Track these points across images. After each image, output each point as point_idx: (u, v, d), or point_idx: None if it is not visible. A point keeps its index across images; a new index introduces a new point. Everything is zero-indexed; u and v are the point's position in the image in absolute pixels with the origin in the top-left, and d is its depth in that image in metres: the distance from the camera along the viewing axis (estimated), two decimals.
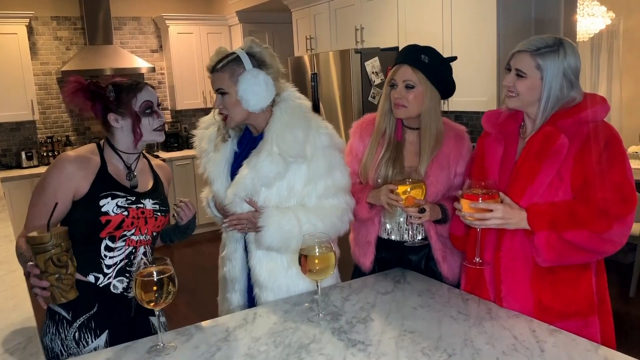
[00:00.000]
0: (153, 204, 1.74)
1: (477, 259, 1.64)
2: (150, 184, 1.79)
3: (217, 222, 1.97)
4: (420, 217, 1.76)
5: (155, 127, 1.73)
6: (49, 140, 5.82)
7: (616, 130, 1.56)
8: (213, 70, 1.77)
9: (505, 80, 1.62)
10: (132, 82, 1.71)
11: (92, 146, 1.74)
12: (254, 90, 1.70)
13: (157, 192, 1.79)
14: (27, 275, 1.50)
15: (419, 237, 1.95)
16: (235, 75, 1.73)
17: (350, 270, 2.16)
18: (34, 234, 1.43)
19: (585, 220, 1.48)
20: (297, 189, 1.76)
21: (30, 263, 1.46)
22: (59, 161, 1.65)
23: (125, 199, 1.67)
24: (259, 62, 1.74)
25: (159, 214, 1.75)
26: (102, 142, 1.75)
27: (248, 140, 1.85)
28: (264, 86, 1.71)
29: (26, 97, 5.48)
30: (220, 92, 1.76)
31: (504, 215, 1.52)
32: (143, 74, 6.30)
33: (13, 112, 5.45)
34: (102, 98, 1.68)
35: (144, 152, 1.84)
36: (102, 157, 1.71)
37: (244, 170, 1.76)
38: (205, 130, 1.93)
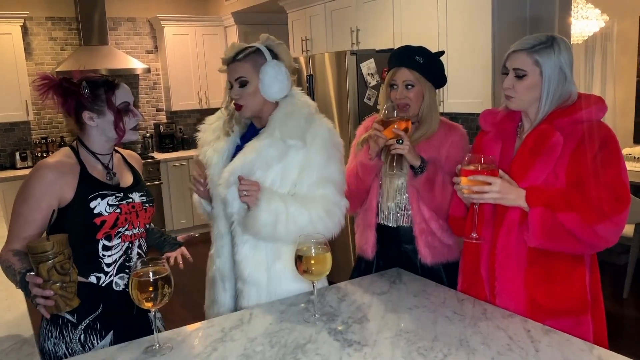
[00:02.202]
0: (140, 196, 1.75)
1: (474, 235, 1.64)
2: (131, 178, 1.79)
3: (204, 215, 1.98)
4: (398, 148, 1.83)
5: (132, 126, 1.71)
6: (43, 140, 5.79)
7: (612, 131, 1.58)
8: (233, 60, 1.78)
9: (504, 83, 1.63)
10: (107, 79, 1.67)
11: (66, 150, 1.70)
12: (277, 78, 1.75)
13: (140, 184, 1.79)
14: (23, 287, 1.47)
15: (408, 224, 2.01)
16: (258, 65, 1.76)
17: (348, 272, 2.19)
18: (35, 243, 1.41)
19: (580, 208, 1.50)
20: (291, 176, 1.77)
21: (31, 273, 1.43)
22: (38, 169, 1.60)
23: (114, 196, 1.66)
24: (276, 56, 1.79)
25: (147, 205, 1.76)
26: (74, 143, 1.71)
27: (251, 134, 1.86)
28: (284, 77, 1.77)
29: (20, 98, 5.45)
30: (240, 80, 1.77)
31: (502, 189, 1.53)
32: (138, 74, 6.29)
33: (7, 112, 5.42)
34: (75, 95, 1.63)
35: (114, 147, 1.81)
36: (79, 159, 1.67)
37: (243, 151, 1.78)
38: (211, 125, 1.96)
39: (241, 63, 1.77)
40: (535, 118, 1.63)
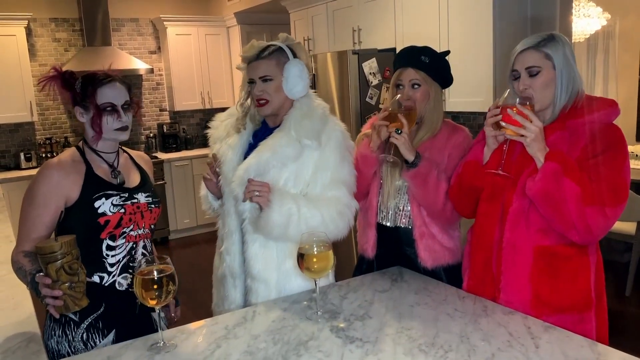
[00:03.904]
0: (146, 197, 1.76)
1: (500, 170, 1.65)
2: (138, 178, 1.80)
3: (209, 211, 2.00)
4: (394, 137, 1.83)
5: (116, 128, 1.69)
6: (47, 141, 5.82)
7: (623, 135, 1.60)
8: (258, 57, 1.81)
9: (520, 85, 1.62)
10: (99, 75, 1.68)
11: (72, 150, 1.73)
12: (298, 78, 1.79)
13: (147, 185, 1.81)
14: (34, 288, 1.50)
15: (406, 224, 2.00)
16: (282, 63, 1.80)
17: (351, 270, 2.20)
18: (43, 243, 1.42)
19: (584, 185, 1.51)
20: (305, 176, 1.80)
21: (40, 274, 1.45)
22: (44, 169, 1.63)
23: (118, 196, 1.68)
24: (295, 55, 1.83)
25: (153, 206, 1.77)
26: (81, 143, 1.74)
27: (264, 133, 1.88)
28: (305, 75, 1.81)
29: (25, 99, 5.49)
30: (265, 78, 1.79)
31: (538, 133, 1.54)
32: (141, 75, 6.32)
33: (12, 113, 5.45)
34: (73, 89, 1.67)
35: (122, 147, 1.83)
36: (85, 159, 1.70)
37: (258, 149, 1.81)
38: (222, 122, 1.98)
39: (265, 60, 1.79)
40: (550, 116, 1.64)
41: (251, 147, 1.88)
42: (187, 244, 6.05)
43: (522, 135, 1.56)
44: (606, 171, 1.52)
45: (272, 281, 1.82)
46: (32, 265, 1.55)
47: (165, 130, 6.42)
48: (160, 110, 6.60)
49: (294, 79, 1.79)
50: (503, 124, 1.59)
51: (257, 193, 1.73)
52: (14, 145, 5.79)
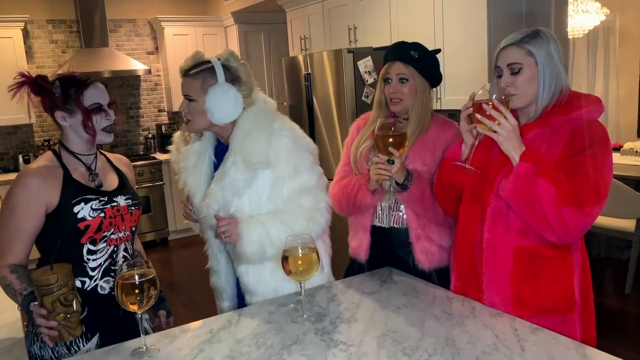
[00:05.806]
0: (125, 199, 1.74)
1: (468, 166, 1.63)
2: (116, 181, 1.78)
3: (195, 229, 2.03)
4: (387, 168, 1.77)
5: (104, 127, 1.68)
6: (46, 143, 5.83)
7: (607, 132, 1.57)
8: (185, 74, 1.77)
9: (502, 83, 1.60)
10: (80, 78, 1.66)
11: (49, 155, 1.70)
12: (220, 104, 1.71)
13: (125, 187, 1.79)
14: (25, 309, 1.48)
15: (400, 225, 1.98)
16: (206, 86, 1.73)
17: (343, 270, 2.17)
18: (39, 275, 1.40)
19: (560, 186, 1.48)
20: (264, 196, 1.77)
21: (35, 303, 1.44)
22: (22, 178, 1.60)
23: (98, 201, 1.66)
24: (232, 77, 1.75)
25: (133, 208, 1.75)
26: (57, 147, 1.72)
27: (222, 150, 1.86)
28: (232, 102, 1.72)
29: (22, 101, 5.48)
30: (188, 97, 1.75)
31: (511, 131, 1.51)
32: (139, 76, 6.31)
33: (10, 115, 5.44)
34: (49, 94, 1.63)
35: (99, 150, 1.82)
36: (62, 163, 1.67)
37: (215, 179, 1.79)
38: (181, 148, 1.94)
39: (191, 80, 1.74)
40: (534, 114, 1.62)
41: (216, 167, 1.84)
42: (187, 244, 6.04)
43: (495, 132, 1.53)
44: (588, 169, 1.49)
45: (270, 291, 1.81)
46: (20, 284, 1.53)
47: (163, 131, 6.42)
48: (159, 110, 6.59)
49: (212, 105, 1.70)
50: (478, 116, 1.55)
51: (224, 234, 1.73)
52: (13, 148, 5.79)
